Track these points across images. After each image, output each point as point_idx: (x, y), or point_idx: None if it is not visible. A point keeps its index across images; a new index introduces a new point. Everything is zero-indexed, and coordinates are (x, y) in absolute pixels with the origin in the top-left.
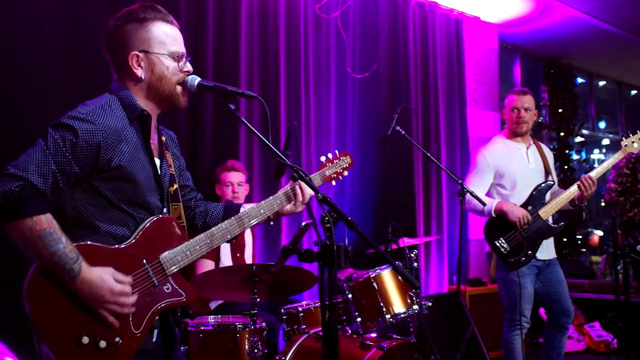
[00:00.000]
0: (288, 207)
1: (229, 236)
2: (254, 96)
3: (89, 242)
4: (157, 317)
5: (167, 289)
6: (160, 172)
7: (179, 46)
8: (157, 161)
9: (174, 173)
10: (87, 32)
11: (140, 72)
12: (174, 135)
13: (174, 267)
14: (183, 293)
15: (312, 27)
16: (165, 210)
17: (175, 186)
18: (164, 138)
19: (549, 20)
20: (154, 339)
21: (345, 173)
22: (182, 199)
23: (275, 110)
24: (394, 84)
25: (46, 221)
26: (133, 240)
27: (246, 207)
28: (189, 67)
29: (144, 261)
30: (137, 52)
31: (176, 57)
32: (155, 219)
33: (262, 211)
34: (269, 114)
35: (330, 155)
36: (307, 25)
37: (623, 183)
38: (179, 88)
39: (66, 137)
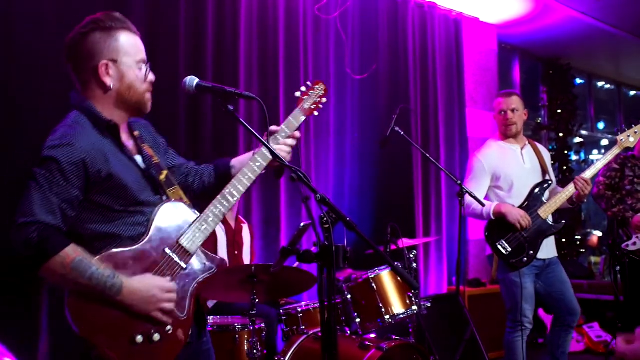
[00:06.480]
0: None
1: (232, 198)
2: (252, 97)
3: (112, 251)
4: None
5: (197, 266)
6: (145, 166)
7: (143, 56)
8: (139, 158)
9: (158, 161)
10: None
11: (109, 81)
12: (144, 122)
13: (196, 246)
14: (213, 265)
15: (312, 27)
16: (164, 198)
17: (165, 172)
18: (136, 133)
19: (548, 21)
20: (189, 332)
21: (324, 100)
22: (177, 180)
23: (275, 111)
24: (393, 85)
25: (73, 252)
26: (148, 235)
27: (235, 164)
28: (152, 76)
29: (166, 249)
30: (106, 61)
31: (141, 67)
32: (160, 206)
33: (245, 181)
34: (267, 115)
35: (303, 89)
36: (307, 26)
37: (612, 177)
38: (147, 95)
39: (52, 169)
